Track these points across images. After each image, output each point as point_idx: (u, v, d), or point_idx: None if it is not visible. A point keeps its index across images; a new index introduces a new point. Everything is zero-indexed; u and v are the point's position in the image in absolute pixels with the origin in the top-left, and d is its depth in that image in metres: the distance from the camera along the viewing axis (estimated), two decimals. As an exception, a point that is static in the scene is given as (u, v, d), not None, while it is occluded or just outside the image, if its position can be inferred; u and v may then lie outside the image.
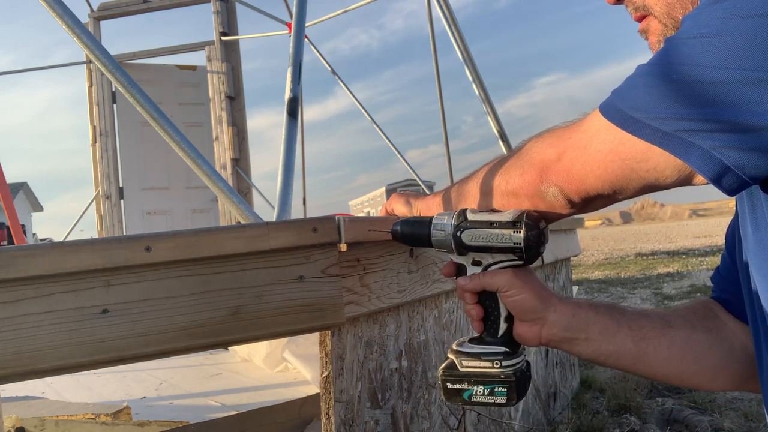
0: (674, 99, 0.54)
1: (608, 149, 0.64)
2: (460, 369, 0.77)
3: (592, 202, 0.73)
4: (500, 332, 0.77)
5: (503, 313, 0.77)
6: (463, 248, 0.77)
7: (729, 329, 0.78)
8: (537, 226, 0.74)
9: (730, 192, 0.55)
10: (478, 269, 0.78)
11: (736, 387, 0.79)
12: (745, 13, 0.50)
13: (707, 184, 0.58)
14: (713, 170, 0.54)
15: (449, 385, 0.77)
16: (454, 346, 0.79)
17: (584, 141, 0.68)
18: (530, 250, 0.74)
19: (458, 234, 0.76)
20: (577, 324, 0.76)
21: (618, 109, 0.61)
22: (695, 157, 0.55)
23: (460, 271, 0.79)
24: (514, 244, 0.73)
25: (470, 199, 0.88)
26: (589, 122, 0.68)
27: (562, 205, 0.74)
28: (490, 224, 0.74)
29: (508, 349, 0.76)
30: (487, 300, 0.77)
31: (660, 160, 0.59)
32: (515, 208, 0.79)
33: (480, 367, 0.76)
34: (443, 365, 0.78)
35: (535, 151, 0.76)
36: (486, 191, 0.85)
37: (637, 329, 0.76)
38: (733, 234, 0.80)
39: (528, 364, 0.80)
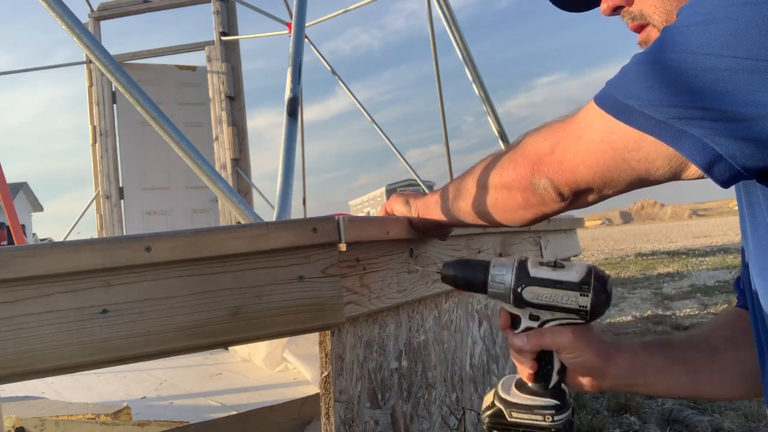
0: (667, 86, 0.54)
1: (600, 138, 0.64)
2: (509, 419, 0.75)
3: (582, 195, 0.73)
4: (551, 384, 0.75)
5: (556, 367, 0.75)
6: (522, 303, 0.74)
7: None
8: (605, 290, 0.72)
9: (723, 183, 0.55)
10: (534, 324, 0.75)
11: None
12: (740, 1, 0.49)
13: (698, 178, 0.58)
14: (705, 158, 0.53)
15: None
16: (501, 393, 0.76)
17: (577, 131, 0.68)
18: (595, 314, 0.72)
19: (519, 290, 0.73)
20: (635, 371, 0.76)
21: (612, 97, 0.61)
22: (687, 144, 0.54)
23: (514, 322, 0.76)
24: (580, 306, 0.71)
25: (468, 196, 0.88)
26: (583, 113, 0.68)
27: (553, 198, 0.74)
28: (555, 284, 0.72)
29: (559, 402, 0.74)
30: (542, 356, 0.75)
31: (652, 149, 0.59)
32: (508, 202, 0.79)
33: (531, 420, 0.74)
34: (489, 411, 0.76)
35: (530, 144, 0.76)
36: (482, 186, 0.85)
37: (689, 362, 0.77)
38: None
39: (573, 410, 0.79)
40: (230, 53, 4.94)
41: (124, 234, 4.72)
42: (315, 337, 1.00)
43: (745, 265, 0.67)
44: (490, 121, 3.74)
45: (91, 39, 1.54)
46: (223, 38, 4.88)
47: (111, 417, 1.58)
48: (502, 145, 3.68)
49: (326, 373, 0.97)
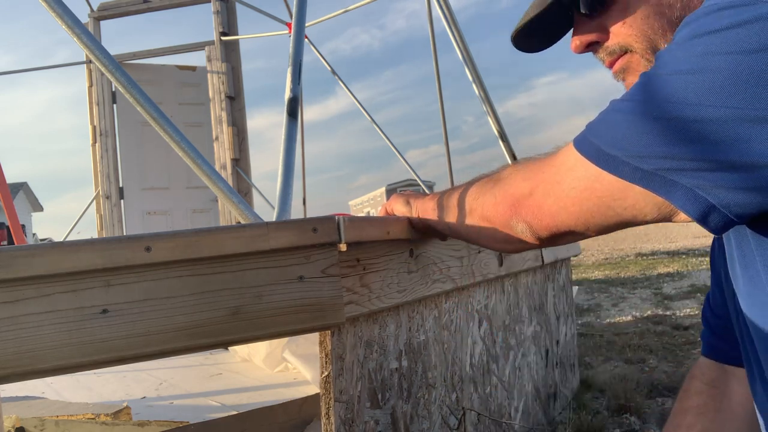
0: (655, 137, 0.53)
1: (584, 186, 0.63)
2: None
3: (562, 237, 0.72)
4: None
5: None
6: None
7: (734, 389, 0.81)
8: None
9: (716, 231, 0.54)
10: None
11: None
12: (725, 50, 0.48)
13: (688, 222, 0.57)
14: (698, 209, 0.53)
15: None
16: None
17: (558, 176, 0.67)
18: None
19: None
20: None
21: (594, 146, 0.60)
22: (679, 196, 0.53)
23: None
24: None
25: (457, 216, 0.88)
26: (563, 156, 0.66)
27: (531, 239, 0.75)
28: None
29: None
30: None
31: (639, 198, 0.58)
32: (490, 233, 0.80)
33: None
34: None
35: (510, 183, 0.76)
36: (465, 211, 0.85)
37: None
38: (719, 259, 0.80)
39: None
40: (230, 53, 4.94)
41: (124, 234, 4.72)
42: (315, 337, 1.00)
43: (731, 295, 0.67)
44: (490, 121, 3.74)
45: (91, 39, 1.54)
46: (223, 38, 4.88)
47: (111, 417, 1.58)
48: (502, 145, 3.67)
49: (326, 373, 0.97)
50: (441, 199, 0.94)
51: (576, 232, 0.69)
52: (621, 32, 0.71)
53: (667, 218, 0.58)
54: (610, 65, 0.74)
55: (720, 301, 0.82)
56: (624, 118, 0.56)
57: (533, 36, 0.80)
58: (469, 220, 0.84)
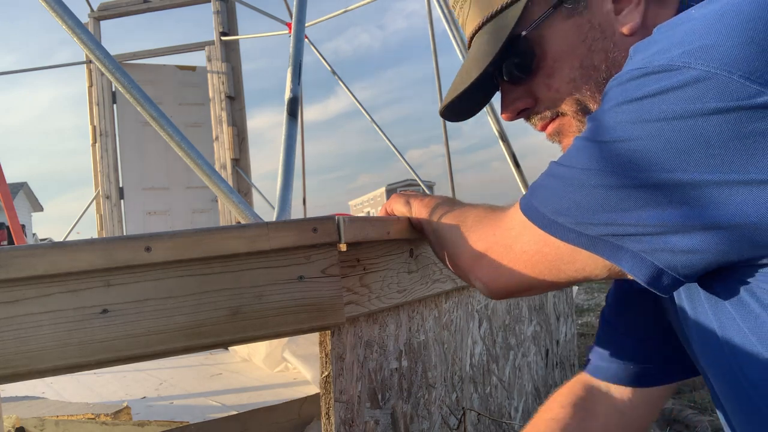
0: (595, 204, 0.54)
1: (534, 250, 0.64)
2: None
3: (518, 294, 0.74)
4: None
5: None
6: None
7: (600, 403, 0.84)
8: None
9: (666, 292, 0.54)
10: None
11: None
12: (652, 117, 0.49)
13: None
14: (646, 273, 0.53)
15: None
16: None
17: (509, 240, 0.68)
18: None
19: None
20: None
21: (539, 212, 0.61)
22: (626, 260, 0.54)
23: None
24: None
25: (438, 246, 0.91)
26: (511, 220, 0.68)
27: (487, 294, 0.76)
28: None
29: None
30: None
31: (588, 262, 0.59)
32: (461, 275, 0.83)
33: None
34: None
35: (468, 241, 0.77)
36: (439, 244, 0.88)
37: None
38: (616, 297, 0.86)
39: None
40: (230, 53, 4.94)
41: (124, 234, 4.72)
42: (315, 337, 1.00)
43: (685, 339, 0.67)
44: (490, 121, 3.74)
45: (91, 39, 1.54)
46: (223, 38, 4.88)
47: (111, 417, 1.58)
48: (502, 145, 3.67)
49: (326, 373, 0.97)
50: (431, 215, 0.94)
51: (532, 290, 0.71)
52: (549, 97, 0.72)
53: (621, 275, 0.59)
54: (543, 129, 0.75)
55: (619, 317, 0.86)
56: (563, 185, 0.57)
57: (462, 107, 0.81)
58: (442, 253, 0.88)
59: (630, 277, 0.56)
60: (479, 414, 1.60)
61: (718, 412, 0.68)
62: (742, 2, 0.47)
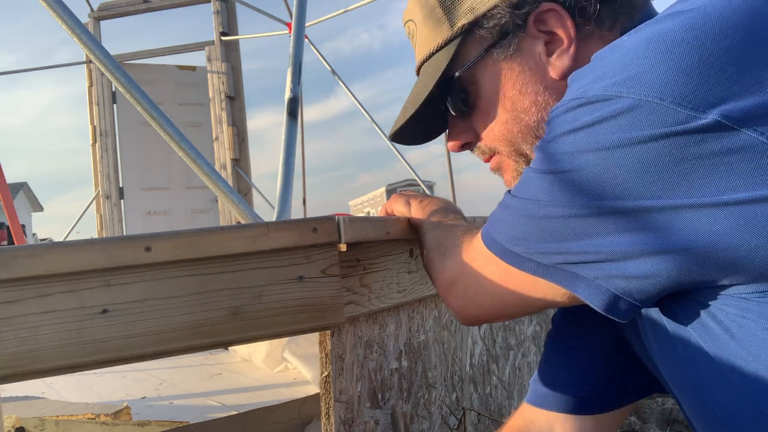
0: (546, 233, 0.54)
1: (498, 280, 0.65)
2: None
3: (489, 320, 0.74)
4: None
5: None
6: None
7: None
8: None
9: (624, 318, 0.54)
10: None
11: None
12: (588, 148, 0.50)
13: None
14: (603, 300, 0.53)
15: None
16: None
17: (474, 270, 0.69)
18: None
19: None
20: None
21: (497, 243, 0.62)
22: (582, 287, 0.54)
23: None
24: None
25: (423, 250, 0.92)
26: (475, 250, 0.69)
27: (463, 322, 0.77)
28: None
29: None
30: None
31: (548, 290, 0.59)
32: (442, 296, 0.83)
33: None
34: None
35: (442, 269, 0.78)
36: (425, 259, 0.89)
37: None
38: (564, 321, 0.84)
39: None
40: (230, 53, 4.94)
41: (124, 234, 4.72)
42: (315, 337, 1.00)
43: (650, 361, 0.67)
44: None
45: (91, 39, 1.54)
46: (223, 38, 4.88)
47: (111, 417, 1.58)
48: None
49: (326, 373, 0.97)
50: (424, 227, 0.94)
51: (501, 317, 0.71)
52: (486, 135, 0.74)
53: (581, 303, 0.59)
54: (485, 161, 0.77)
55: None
56: (515, 216, 0.58)
57: (414, 133, 0.83)
58: (427, 269, 0.89)
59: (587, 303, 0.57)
60: (479, 414, 1.60)
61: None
62: (669, 28, 0.47)
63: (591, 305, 0.55)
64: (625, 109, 0.47)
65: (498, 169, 0.77)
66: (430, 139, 0.86)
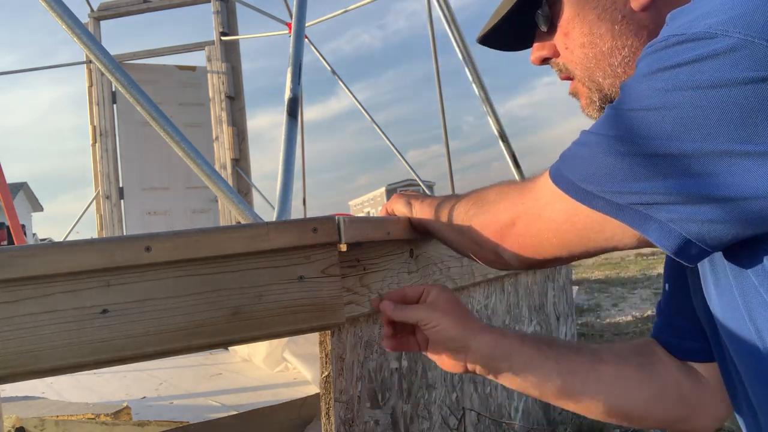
0: (625, 172, 0.54)
1: (563, 219, 0.64)
2: None
3: (548, 263, 0.73)
4: None
5: None
6: None
7: (663, 366, 0.77)
8: None
9: (692, 262, 0.54)
10: None
11: (667, 426, 0.78)
12: (686, 85, 0.49)
13: None
14: (673, 243, 0.53)
15: None
16: None
17: (537, 209, 0.68)
18: None
19: None
20: (501, 354, 0.76)
21: (569, 180, 0.61)
22: (653, 230, 0.54)
23: None
24: None
25: (451, 232, 0.89)
26: (540, 189, 0.67)
27: (516, 265, 0.76)
28: None
29: None
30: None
31: (617, 231, 0.59)
32: (482, 255, 0.82)
33: None
34: None
35: (494, 212, 0.77)
36: (457, 228, 0.86)
37: (564, 363, 0.76)
38: (673, 267, 0.79)
39: None
40: (230, 53, 4.94)
41: (124, 234, 4.72)
42: (315, 337, 1.00)
43: (705, 315, 0.66)
44: (490, 121, 3.74)
45: (91, 39, 1.54)
46: (223, 38, 4.88)
47: (111, 417, 1.58)
48: (502, 146, 3.67)
49: (326, 373, 0.97)
50: (438, 210, 0.94)
51: (561, 259, 0.70)
52: (564, 55, 0.74)
53: (650, 245, 0.59)
54: (563, 80, 0.77)
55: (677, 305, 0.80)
56: (594, 153, 0.57)
57: (502, 38, 0.83)
58: (461, 238, 0.86)
59: (657, 246, 0.56)
60: (479, 414, 1.60)
61: (732, 400, 0.67)
62: None
63: (660, 247, 0.54)
64: (728, 49, 0.46)
65: (575, 94, 0.76)
66: (517, 49, 0.85)
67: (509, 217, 0.73)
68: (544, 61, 0.78)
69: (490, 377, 0.78)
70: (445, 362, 0.79)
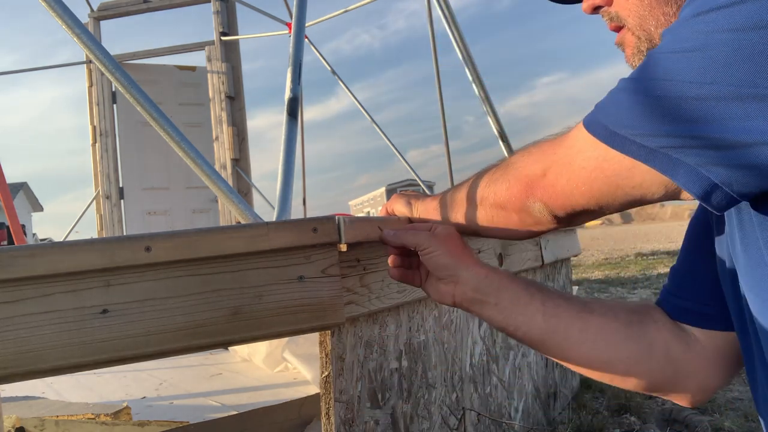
0: (658, 115, 0.54)
1: (593, 166, 0.64)
2: None
3: (577, 216, 0.73)
4: None
5: None
6: None
7: (654, 326, 0.76)
8: None
9: (719, 209, 0.54)
10: None
11: (649, 389, 0.77)
12: (726, 27, 0.49)
13: (695, 199, 0.57)
14: (701, 187, 0.53)
15: None
16: None
17: (569, 157, 0.68)
18: None
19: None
20: (488, 287, 0.76)
21: (602, 125, 0.61)
22: (682, 174, 0.54)
23: None
24: None
25: (465, 210, 0.88)
26: (573, 137, 0.67)
27: (548, 219, 0.75)
28: None
29: None
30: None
31: (646, 177, 0.59)
32: (504, 221, 0.81)
33: None
34: None
35: (521, 166, 0.76)
36: (474, 202, 0.85)
37: (551, 306, 0.76)
38: (696, 228, 0.79)
39: None
40: (230, 53, 4.94)
41: (124, 234, 4.72)
42: (315, 337, 1.00)
43: (727, 278, 0.66)
44: (490, 121, 3.74)
45: (91, 39, 1.54)
46: (223, 38, 4.88)
47: (111, 417, 1.58)
48: (502, 146, 3.67)
49: (326, 373, 0.97)
50: (445, 197, 0.94)
51: (590, 210, 0.70)
52: (617, 3, 0.73)
53: (675, 196, 0.59)
54: (612, 30, 0.76)
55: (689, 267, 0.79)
56: (629, 97, 0.57)
57: None
58: (480, 210, 0.85)
59: (687, 196, 0.56)
60: (479, 414, 1.60)
61: (747, 369, 0.66)
62: None
63: (688, 192, 0.54)
64: None
65: (621, 44, 0.75)
66: (573, 2, 0.84)
67: (541, 168, 0.72)
68: (596, 9, 0.76)
69: (475, 311, 0.79)
70: (435, 291, 0.80)
